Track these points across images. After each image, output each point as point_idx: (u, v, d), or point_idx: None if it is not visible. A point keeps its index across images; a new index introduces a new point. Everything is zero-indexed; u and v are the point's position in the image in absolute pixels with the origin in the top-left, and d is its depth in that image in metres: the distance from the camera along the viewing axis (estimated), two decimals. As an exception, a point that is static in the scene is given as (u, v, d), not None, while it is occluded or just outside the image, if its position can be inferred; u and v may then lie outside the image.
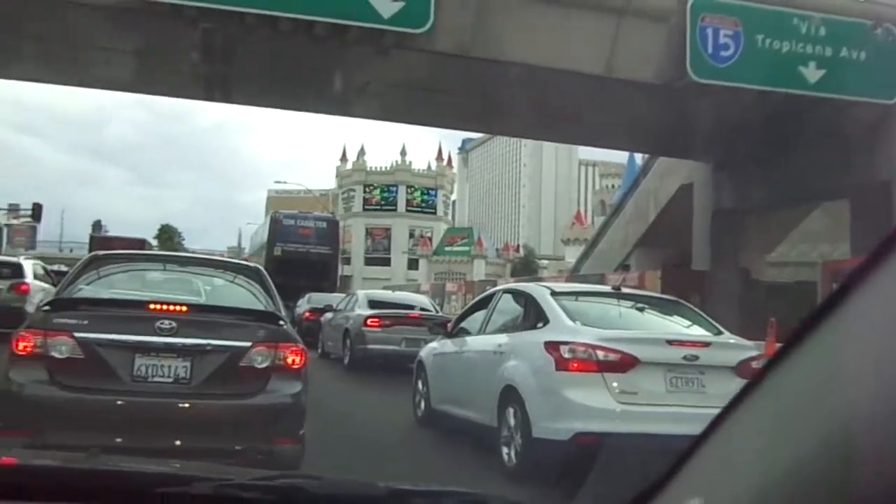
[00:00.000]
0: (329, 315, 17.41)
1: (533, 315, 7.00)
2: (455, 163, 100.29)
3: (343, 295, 20.20)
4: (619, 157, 61.04)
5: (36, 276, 16.91)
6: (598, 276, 25.55)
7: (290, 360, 5.41)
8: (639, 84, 15.92)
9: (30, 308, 12.37)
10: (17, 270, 16.93)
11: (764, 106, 15.99)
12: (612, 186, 79.76)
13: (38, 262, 19.84)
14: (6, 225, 66.40)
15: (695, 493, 0.97)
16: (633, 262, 28.39)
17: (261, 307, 5.98)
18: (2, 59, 17.64)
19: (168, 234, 78.93)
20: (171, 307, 5.40)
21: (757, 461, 0.88)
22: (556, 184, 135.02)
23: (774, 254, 25.16)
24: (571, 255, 60.18)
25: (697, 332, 6.91)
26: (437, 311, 16.60)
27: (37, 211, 48.45)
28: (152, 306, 5.40)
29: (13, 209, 59.21)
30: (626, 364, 6.01)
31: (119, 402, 5.07)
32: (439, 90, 18.03)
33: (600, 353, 6.02)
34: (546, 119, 20.32)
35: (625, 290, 8.32)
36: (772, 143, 17.94)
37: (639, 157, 38.35)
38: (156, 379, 5.16)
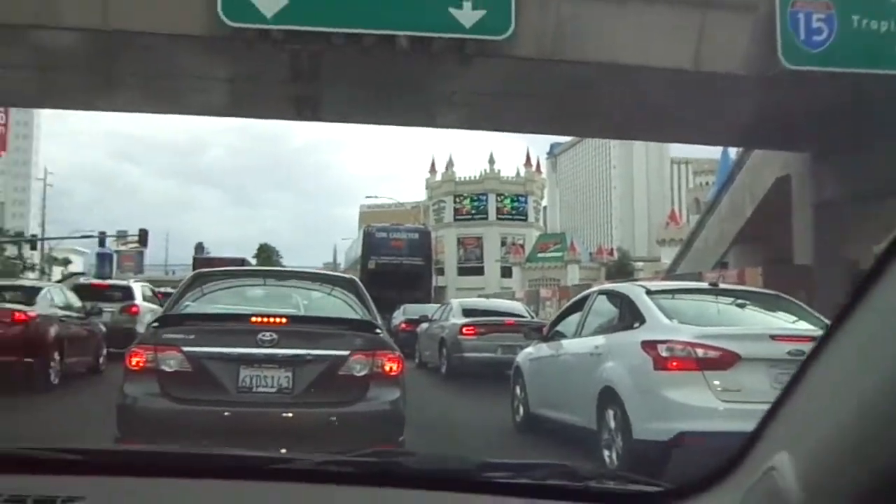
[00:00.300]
0: (425, 325, 17.56)
1: (629, 315, 6.91)
2: (544, 168, 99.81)
3: (438, 305, 20.35)
4: (713, 152, 59.64)
5: (144, 298, 17.68)
6: (695, 275, 24.96)
7: (387, 368, 5.50)
8: (729, 76, 15.54)
9: (140, 328, 12.94)
10: (128, 293, 17.75)
11: (863, 90, 15.37)
12: (707, 183, 77.81)
13: (147, 284, 20.73)
14: (116, 251, 69.70)
15: (780, 447, 1.00)
16: (731, 260, 27.65)
17: (357, 317, 6.10)
18: (105, 92, 18.50)
19: (266, 253, 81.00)
20: (272, 319, 5.56)
21: (832, 412, 0.90)
22: (648, 184, 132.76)
23: (884, 244, 24.08)
24: (667, 255, 58.99)
25: (803, 326, 6.69)
26: (532, 318, 16.54)
27: (143, 236, 50.65)
28: (254, 319, 5.58)
29: (121, 235, 61.96)
30: (727, 361, 5.86)
31: (226, 413, 5.24)
32: (524, 95, 17.99)
33: (700, 351, 5.90)
34: (635, 118, 20.04)
35: (723, 286, 8.13)
36: (875, 129, 17.21)
37: (732, 152, 37.33)
38: (260, 389, 5.33)
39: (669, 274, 33.22)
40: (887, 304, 0.87)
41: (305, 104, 18.87)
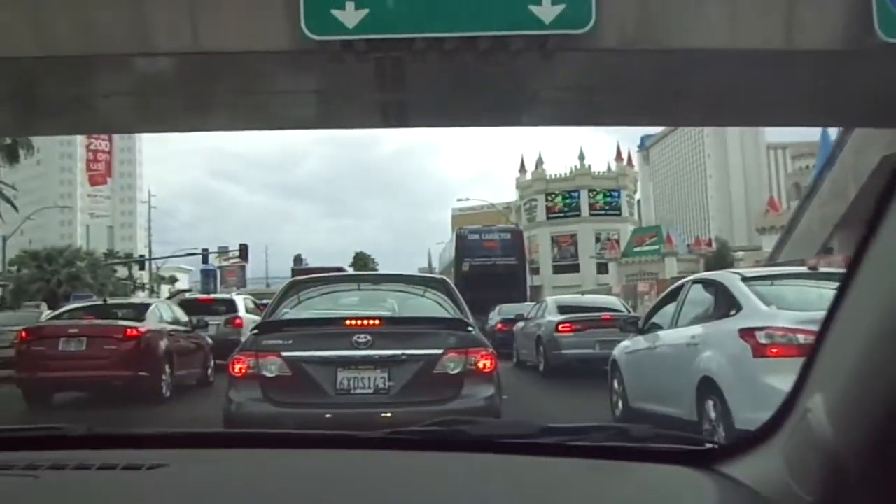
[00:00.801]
0: (521, 324, 17.53)
1: (725, 303, 6.77)
2: (636, 161, 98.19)
3: (533, 304, 20.29)
4: (811, 134, 57.45)
5: (247, 310, 18.22)
6: (798, 262, 24.17)
7: (481, 365, 5.55)
8: (823, 53, 14.99)
9: (244, 339, 13.35)
10: (231, 306, 18.36)
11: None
12: (806, 167, 75.01)
13: (249, 297, 21.39)
14: (219, 267, 72.06)
15: (816, 390, 1.01)
16: (835, 245, 26.63)
17: (449, 315, 6.16)
18: (200, 113, 19.22)
19: (363, 261, 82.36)
20: (366, 322, 5.68)
21: (858, 346, 0.91)
22: (745, 171, 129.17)
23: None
24: (768, 244, 57.15)
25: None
26: (629, 312, 16.33)
27: (243, 251, 52.29)
28: (348, 322, 5.71)
29: (223, 251, 64.08)
30: (831, 346, 5.67)
31: (327, 416, 5.38)
32: (611, 88, 17.78)
33: (801, 337, 5.72)
34: (728, 103, 19.52)
35: (823, 270, 7.86)
36: None
37: (833, 133, 35.95)
38: (358, 391, 5.45)
39: (770, 262, 32.24)
40: None
41: (391, 111, 19.14)
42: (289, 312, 6.46)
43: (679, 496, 1.31)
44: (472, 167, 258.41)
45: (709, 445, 1.48)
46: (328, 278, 8.89)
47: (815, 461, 0.99)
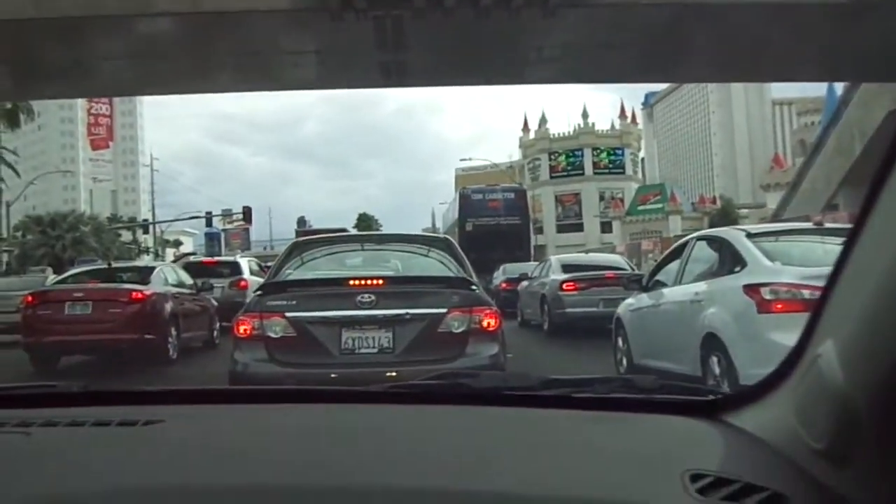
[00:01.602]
0: (525, 283, 17.53)
1: (729, 259, 6.74)
2: (640, 119, 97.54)
3: (537, 263, 20.27)
4: (817, 90, 56.96)
5: (251, 272, 18.24)
6: (803, 219, 24.10)
7: (485, 324, 5.55)
8: (828, 5, 14.80)
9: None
10: (236, 268, 18.39)
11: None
12: (812, 123, 74.54)
13: (253, 259, 21.41)
14: (223, 230, 72.13)
15: (826, 336, 1.00)
16: (840, 202, 26.54)
17: (452, 274, 6.16)
18: (201, 75, 19.08)
19: (366, 222, 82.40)
20: (370, 281, 5.68)
21: (867, 290, 0.90)
22: (749, 128, 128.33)
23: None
24: (773, 201, 57.06)
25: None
26: (633, 270, 16.31)
27: (247, 214, 52.26)
28: (352, 282, 5.70)
29: (226, 214, 64.10)
30: (835, 301, 5.65)
31: (332, 375, 5.40)
32: (614, 45, 17.60)
33: (805, 292, 5.70)
34: (732, 58, 19.33)
35: (829, 225, 7.81)
36: None
37: (839, 88, 35.59)
38: (362, 350, 5.46)
39: (775, 219, 32.15)
40: None
41: (392, 70, 18.99)
42: (292, 273, 6.46)
43: (684, 446, 1.30)
44: (475, 127, 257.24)
45: (714, 396, 1.47)
46: (331, 239, 8.86)
47: (824, 407, 0.98)
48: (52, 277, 17.98)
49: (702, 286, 7.01)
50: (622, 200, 74.80)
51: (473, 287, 5.85)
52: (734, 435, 1.30)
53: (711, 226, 56.85)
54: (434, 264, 6.63)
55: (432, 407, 1.57)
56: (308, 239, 7.95)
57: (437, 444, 1.33)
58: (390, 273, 6.49)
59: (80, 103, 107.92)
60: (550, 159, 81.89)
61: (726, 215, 65.43)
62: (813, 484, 1.03)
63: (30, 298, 11.53)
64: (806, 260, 6.39)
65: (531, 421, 1.46)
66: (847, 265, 0.97)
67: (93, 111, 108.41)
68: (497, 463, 1.20)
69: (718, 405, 1.41)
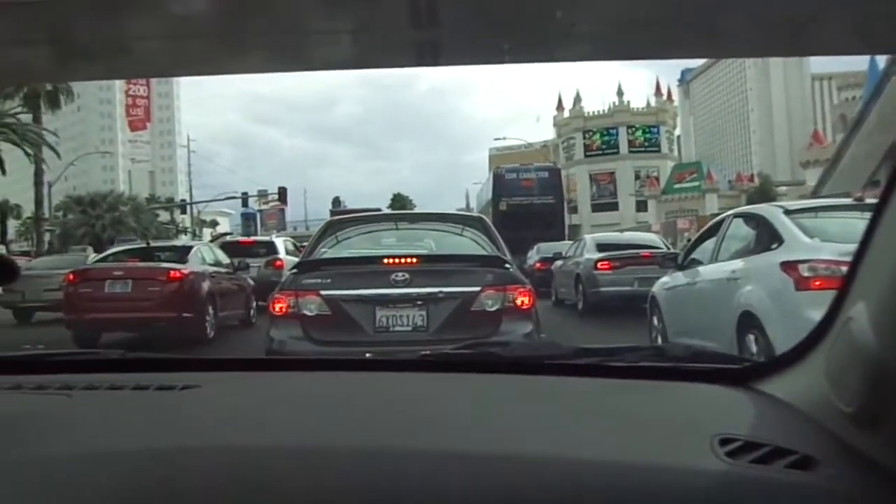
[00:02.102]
0: (559, 263, 17.49)
1: (766, 236, 6.65)
2: (676, 96, 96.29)
3: (571, 242, 20.19)
4: (859, 64, 55.79)
5: (287, 252, 18.40)
6: (843, 196, 23.69)
7: (519, 302, 5.55)
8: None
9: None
10: (272, 248, 18.59)
11: None
12: (853, 98, 72.91)
13: (289, 238, 21.60)
14: (259, 210, 72.74)
15: (857, 300, 1.02)
16: (882, 178, 26.02)
17: (486, 253, 6.16)
18: (235, 56, 19.17)
19: (401, 203, 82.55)
20: (404, 260, 5.70)
21: None
22: (788, 104, 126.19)
23: None
24: (812, 178, 56.03)
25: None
26: (668, 249, 16.19)
27: (282, 194, 52.60)
28: (386, 261, 5.73)
29: (262, 195, 64.61)
30: (875, 277, 5.56)
31: (367, 354, 5.43)
32: (650, 20, 17.34)
33: (844, 269, 5.61)
34: (772, 33, 18.83)
35: (869, 201, 7.67)
36: None
37: (881, 61, 34.82)
38: (396, 328, 5.50)
39: (815, 196, 31.65)
40: None
41: (425, 49, 18.93)
42: (327, 252, 6.51)
43: (714, 413, 1.31)
44: (509, 106, 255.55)
45: (744, 365, 1.47)
46: (366, 217, 8.90)
47: (856, 370, 0.98)
48: (92, 256, 18.28)
49: (738, 264, 6.93)
50: (658, 179, 74.04)
51: (507, 265, 5.85)
52: (764, 401, 1.30)
53: (749, 203, 56.08)
54: (468, 243, 6.64)
55: (464, 375, 1.59)
56: (342, 218, 8.00)
57: (466, 410, 1.35)
58: (424, 251, 6.51)
59: (119, 85, 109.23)
60: (585, 138, 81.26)
61: (764, 193, 64.50)
62: (843, 447, 1.04)
63: (71, 277, 11.76)
64: (845, 236, 6.27)
65: (563, 389, 1.47)
66: (877, 231, 0.97)
67: (130, 92, 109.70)
68: (527, 428, 1.22)
69: (748, 373, 1.41)
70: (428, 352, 1.68)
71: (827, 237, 6.19)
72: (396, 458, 1.10)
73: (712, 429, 1.14)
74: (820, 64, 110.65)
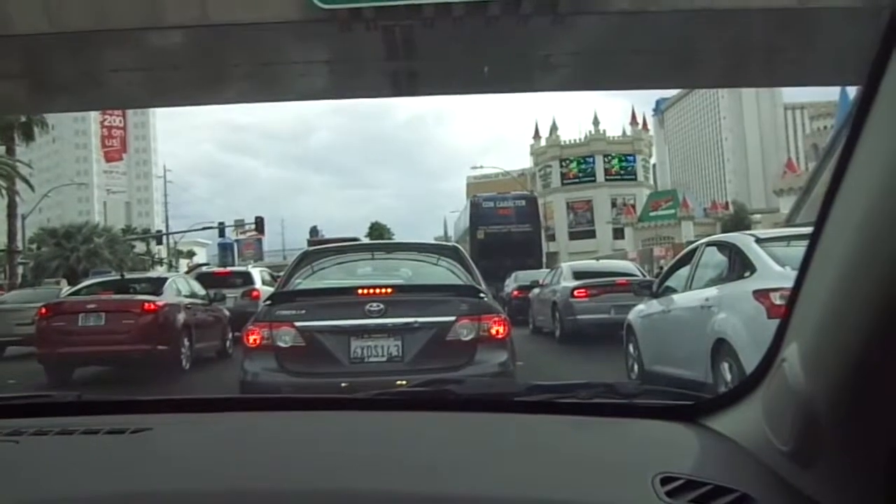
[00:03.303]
0: (536, 290, 17.52)
1: (739, 265, 6.72)
2: (651, 125, 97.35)
3: (549, 270, 20.26)
4: (830, 94, 56.79)
5: (264, 283, 18.29)
6: (814, 225, 23.93)
7: (493, 331, 5.54)
8: (841, 9, 14.76)
9: (260, 311, 13.41)
10: (248, 279, 18.46)
11: None
12: (825, 128, 74.26)
13: (265, 269, 21.47)
14: (236, 240, 72.43)
15: (791, 339, 1.03)
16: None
17: (461, 282, 6.16)
18: (212, 87, 19.21)
19: (378, 231, 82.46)
20: (378, 290, 5.69)
21: (827, 293, 0.93)
22: (761, 133, 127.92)
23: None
24: (786, 206, 56.76)
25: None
26: (644, 276, 16.28)
27: (259, 224, 52.38)
28: (361, 291, 5.71)
29: (239, 224, 64.31)
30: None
31: (342, 384, 5.40)
32: (624, 51, 17.60)
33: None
34: (744, 63, 19.28)
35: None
36: None
37: (851, 91, 35.41)
38: (371, 359, 5.47)
39: (788, 224, 31.98)
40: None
41: (402, 79, 19.07)
42: (302, 283, 6.48)
43: (659, 449, 1.32)
44: (486, 135, 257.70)
45: (694, 401, 1.49)
46: (341, 248, 8.88)
47: (789, 410, 1.00)
48: (66, 289, 18.10)
49: (711, 292, 7.00)
50: (634, 207, 74.64)
51: (482, 295, 5.85)
52: (709, 438, 1.31)
53: (724, 231, 56.53)
54: (443, 272, 6.64)
55: (417, 413, 1.59)
56: (318, 248, 7.98)
57: (415, 448, 1.36)
58: (399, 282, 6.50)
59: (94, 116, 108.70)
60: (562, 166, 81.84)
61: (739, 221, 65.19)
62: (781, 485, 1.05)
63: (44, 310, 11.60)
64: (816, 264, 6.35)
65: (512, 426, 1.48)
66: (808, 269, 0.99)
67: (106, 123, 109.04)
68: (471, 467, 1.22)
69: (697, 409, 1.43)
70: (381, 390, 1.68)
71: (798, 266, 6.24)
72: (343, 500, 1.10)
73: (656, 467, 1.14)
74: (792, 94, 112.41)
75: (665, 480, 1.10)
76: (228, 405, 1.73)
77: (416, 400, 1.67)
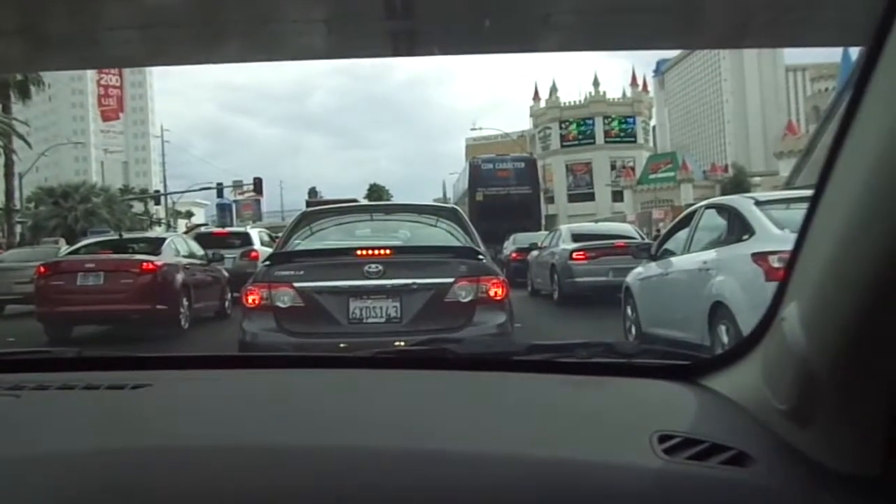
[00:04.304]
0: (535, 253, 17.55)
1: (738, 227, 6.72)
2: (651, 86, 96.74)
3: (547, 232, 20.26)
4: (832, 55, 56.35)
5: (262, 243, 18.30)
6: (815, 187, 23.89)
7: (492, 293, 5.56)
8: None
9: (259, 271, 13.42)
10: (246, 239, 18.46)
11: None
12: (826, 90, 73.78)
13: (264, 229, 21.46)
14: (234, 201, 72.26)
15: (790, 299, 1.03)
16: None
17: (460, 244, 6.17)
18: (209, 45, 18.97)
19: (377, 193, 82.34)
20: (377, 251, 5.69)
21: (825, 252, 0.93)
22: (762, 95, 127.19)
23: None
24: (786, 168, 56.64)
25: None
26: (643, 239, 16.29)
27: (257, 185, 52.27)
28: (359, 252, 5.71)
29: (237, 185, 64.15)
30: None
31: (341, 345, 5.43)
32: (625, 10, 17.36)
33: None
34: (747, 24, 19.04)
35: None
36: None
37: (854, 53, 35.13)
38: (370, 320, 5.49)
39: (788, 187, 31.92)
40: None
41: (401, 39, 18.84)
42: (301, 243, 6.48)
43: (657, 408, 1.33)
44: (486, 96, 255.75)
45: (692, 360, 1.49)
46: (340, 209, 8.86)
47: (788, 369, 1.00)
48: (64, 248, 18.09)
49: (710, 254, 7.00)
50: (633, 169, 74.49)
51: (481, 256, 5.86)
52: (707, 397, 1.33)
53: (723, 194, 56.44)
54: (442, 234, 6.64)
55: (417, 372, 1.60)
56: (316, 209, 7.97)
57: (414, 406, 1.36)
58: (398, 243, 6.50)
59: (90, 75, 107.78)
60: (561, 128, 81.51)
61: (738, 183, 65.06)
62: (778, 443, 1.06)
63: (42, 269, 11.63)
64: (815, 228, 6.34)
65: (511, 384, 1.49)
66: (809, 230, 0.99)
67: (102, 82, 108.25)
68: (471, 424, 1.23)
69: (695, 369, 1.43)
70: (381, 349, 1.69)
71: (797, 228, 6.22)
72: (341, 457, 1.11)
73: (653, 425, 1.16)
74: (793, 56, 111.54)
75: (663, 438, 1.11)
76: (228, 362, 1.73)
77: (416, 358, 1.68)
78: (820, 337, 0.92)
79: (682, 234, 7.99)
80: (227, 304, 13.81)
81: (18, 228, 43.47)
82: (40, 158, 46.12)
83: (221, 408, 1.37)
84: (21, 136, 39.51)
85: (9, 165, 39.26)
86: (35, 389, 1.42)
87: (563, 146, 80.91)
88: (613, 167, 78.00)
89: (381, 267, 5.51)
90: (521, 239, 21.08)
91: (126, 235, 15.77)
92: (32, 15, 15.41)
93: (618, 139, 79.98)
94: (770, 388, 1.08)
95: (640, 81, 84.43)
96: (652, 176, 70.43)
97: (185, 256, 12.84)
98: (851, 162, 0.90)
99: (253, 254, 17.26)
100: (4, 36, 16.60)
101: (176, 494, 1.05)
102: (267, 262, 6.04)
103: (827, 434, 0.97)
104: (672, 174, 68.19)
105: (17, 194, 41.89)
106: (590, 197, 77.12)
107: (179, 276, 11.78)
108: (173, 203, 70.29)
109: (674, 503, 1.02)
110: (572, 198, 78.12)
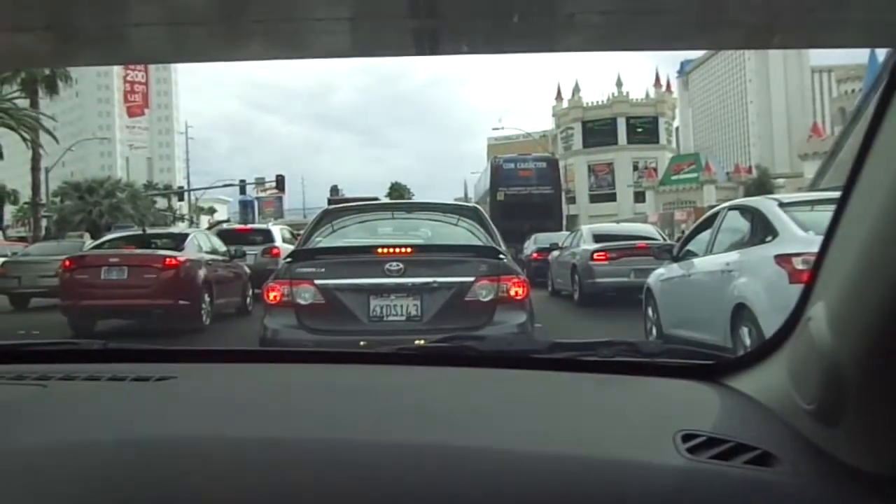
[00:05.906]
0: (556, 253, 17.50)
1: (761, 229, 6.67)
2: (675, 87, 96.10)
3: (568, 233, 20.21)
4: (859, 57, 55.75)
5: (284, 240, 18.37)
6: (840, 189, 23.65)
7: (513, 292, 5.55)
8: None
9: (280, 268, 13.48)
10: (268, 236, 18.55)
11: None
12: (852, 91, 72.98)
13: (286, 227, 21.55)
14: (257, 198, 72.60)
15: (817, 299, 1.03)
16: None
17: (480, 243, 6.16)
18: (234, 43, 19.06)
19: (398, 192, 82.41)
20: (398, 250, 5.70)
21: (855, 253, 0.93)
22: (787, 96, 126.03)
23: None
24: (811, 170, 56.04)
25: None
26: (665, 240, 16.20)
27: (280, 182, 52.55)
28: (381, 250, 5.73)
29: (259, 182, 64.39)
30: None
31: (361, 343, 5.44)
32: (650, 10, 17.26)
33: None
34: (771, 24, 18.86)
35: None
36: None
37: (881, 54, 34.76)
38: (390, 318, 5.50)
39: (812, 189, 31.64)
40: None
41: (425, 39, 18.83)
42: (322, 241, 6.51)
43: (681, 408, 1.33)
44: (508, 96, 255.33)
45: (715, 360, 1.49)
46: (361, 207, 8.88)
47: (814, 369, 1.00)
48: (89, 243, 18.26)
49: (733, 256, 6.95)
50: (656, 170, 74.02)
51: (501, 256, 5.85)
52: (731, 397, 1.32)
53: (747, 195, 55.93)
54: (462, 233, 6.64)
55: (440, 369, 1.61)
56: (338, 207, 8.00)
57: (435, 402, 1.37)
58: (419, 241, 6.51)
59: (117, 70, 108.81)
60: (584, 128, 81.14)
61: (762, 185, 64.49)
62: (803, 443, 1.06)
63: (67, 263, 11.74)
64: (840, 230, 6.28)
65: (533, 382, 1.49)
66: (837, 230, 0.98)
67: (128, 78, 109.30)
68: (492, 421, 1.23)
69: (719, 369, 1.43)
70: (403, 346, 1.70)
71: (821, 230, 6.15)
72: (363, 450, 1.12)
73: (677, 424, 1.16)
74: (819, 56, 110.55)
75: (686, 437, 1.11)
76: (251, 356, 1.75)
77: (437, 355, 1.68)
78: (847, 337, 0.92)
79: (705, 236, 7.94)
80: (248, 300, 13.87)
81: (44, 222, 43.95)
82: (66, 153, 46.59)
83: (245, 401, 1.38)
84: (48, 131, 39.93)
85: (36, 160, 39.70)
86: (61, 380, 1.44)
87: (585, 146, 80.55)
88: (636, 168, 77.57)
89: (401, 265, 5.52)
90: (541, 239, 21.05)
91: (150, 231, 15.86)
92: (60, 11, 15.54)
93: (640, 140, 79.47)
94: (796, 388, 1.07)
95: (663, 82, 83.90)
96: (674, 177, 69.97)
97: (207, 252, 12.92)
98: (880, 163, 0.90)
99: (274, 251, 17.33)
100: (33, 31, 16.77)
101: (198, 484, 1.06)
102: (288, 259, 6.06)
103: (854, 434, 0.97)
104: (695, 175, 67.70)
105: (43, 188, 42.34)
106: (611, 197, 76.75)
107: (201, 272, 11.86)
108: (196, 199, 70.77)
109: (698, 502, 1.02)
110: (594, 198, 77.80)
